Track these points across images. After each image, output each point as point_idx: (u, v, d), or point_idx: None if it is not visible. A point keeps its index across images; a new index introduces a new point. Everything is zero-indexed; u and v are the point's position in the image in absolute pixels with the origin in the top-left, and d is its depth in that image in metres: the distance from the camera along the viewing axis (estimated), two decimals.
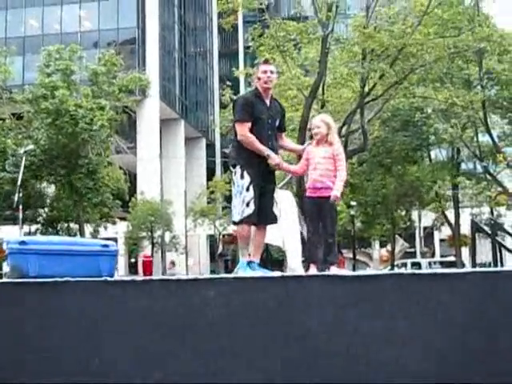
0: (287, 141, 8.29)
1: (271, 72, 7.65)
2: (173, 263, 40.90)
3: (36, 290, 5.36)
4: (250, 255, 7.51)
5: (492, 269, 6.22)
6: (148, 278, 6.00)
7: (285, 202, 10.68)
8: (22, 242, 7.92)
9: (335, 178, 7.36)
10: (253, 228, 7.57)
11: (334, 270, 7.23)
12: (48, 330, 5.21)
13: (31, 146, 35.35)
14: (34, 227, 43.52)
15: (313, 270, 7.26)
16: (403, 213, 49.14)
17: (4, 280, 7.62)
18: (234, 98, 8.38)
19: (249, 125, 7.40)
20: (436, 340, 4.69)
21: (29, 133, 41.38)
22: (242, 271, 7.38)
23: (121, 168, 47.66)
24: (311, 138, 7.77)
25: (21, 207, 29.17)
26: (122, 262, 55.13)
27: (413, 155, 43.46)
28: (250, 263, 7.39)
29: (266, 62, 8.00)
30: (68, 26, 63.95)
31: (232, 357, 4.89)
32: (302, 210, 18.73)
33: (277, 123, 7.72)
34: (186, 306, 5.04)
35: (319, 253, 7.53)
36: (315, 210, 7.39)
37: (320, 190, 7.34)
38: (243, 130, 7.42)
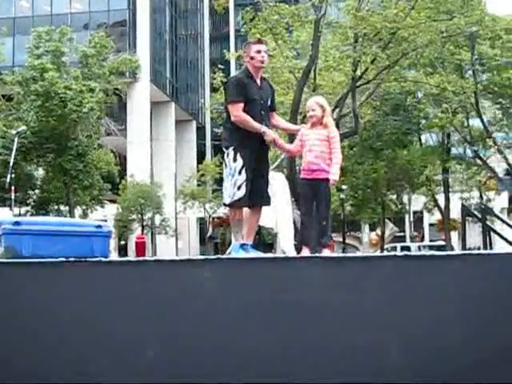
0: (280, 120, 8.25)
1: (264, 52, 7.62)
2: None
3: (29, 270, 5.36)
4: (242, 237, 7.51)
5: (484, 251, 6.30)
6: (142, 258, 6.00)
7: (278, 184, 10.69)
8: (16, 223, 7.91)
9: (330, 160, 7.36)
10: (246, 210, 7.56)
11: (326, 253, 7.25)
12: (41, 310, 5.21)
13: (23, 127, 35.21)
14: (23, 209, 43.42)
15: (305, 252, 7.27)
16: (394, 197, 49.27)
17: None
18: (225, 80, 8.31)
19: (242, 105, 7.36)
20: (429, 324, 4.71)
21: (19, 114, 41.22)
22: (234, 253, 7.38)
23: (112, 151, 47.57)
24: (302, 121, 7.77)
25: (13, 188, 29.07)
26: (112, 245, 55.03)
27: (403, 139, 43.51)
28: (243, 245, 7.39)
29: (260, 41, 7.88)
30: (58, 7, 63.46)
31: (226, 336, 4.90)
32: (293, 192, 18.74)
33: (269, 103, 7.70)
34: (181, 286, 5.04)
35: (312, 235, 7.54)
36: (310, 191, 7.40)
37: (315, 171, 7.34)
38: (237, 111, 7.38)
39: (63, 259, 5.38)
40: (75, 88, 39.43)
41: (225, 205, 7.59)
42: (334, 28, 29.25)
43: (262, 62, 7.57)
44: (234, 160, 7.32)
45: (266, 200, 7.64)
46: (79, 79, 40.84)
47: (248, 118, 7.34)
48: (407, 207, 54.15)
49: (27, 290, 5.22)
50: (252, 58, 7.53)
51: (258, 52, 7.54)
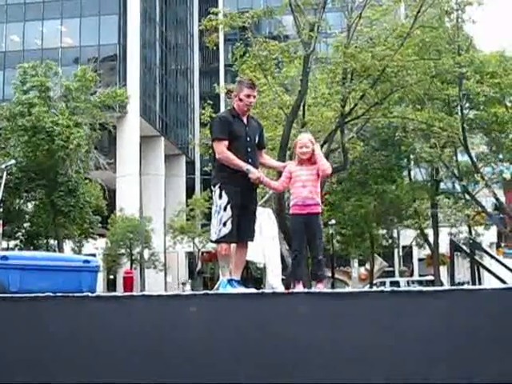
0: (267, 158, 8.28)
1: (253, 97, 7.67)
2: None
3: (15, 305, 5.34)
4: (230, 273, 7.51)
5: (472, 287, 6.31)
6: (129, 293, 6.00)
7: (265, 220, 10.70)
8: (3, 257, 7.88)
9: (321, 196, 7.48)
10: (233, 246, 7.58)
11: (321, 287, 7.28)
12: (28, 346, 5.19)
13: (12, 161, 35.15)
14: (12, 243, 43.25)
15: (299, 288, 7.28)
16: (383, 231, 49.31)
17: None
18: (214, 116, 8.36)
19: (226, 143, 7.39)
20: (416, 361, 4.72)
21: (6, 150, 41.17)
22: (222, 289, 7.39)
23: (101, 185, 47.53)
24: (291, 156, 7.81)
25: (1, 222, 29.01)
26: (100, 279, 54.81)
27: (392, 174, 43.66)
28: (230, 281, 7.40)
29: (252, 85, 7.88)
30: (49, 41, 63.79)
31: (214, 372, 4.89)
32: (281, 227, 18.74)
33: (256, 140, 7.73)
34: (168, 321, 5.04)
35: (304, 270, 7.58)
36: (303, 227, 7.44)
37: (310, 206, 7.40)
38: (220, 148, 7.42)
39: (50, 294, 5.37)
40: (62, 123, 39.41)
41: (211, 241, 7.62)
42: (323, 64, 29.42)
43: (247, 108, 7.64)
44: (220, 197, 7.37)
45: (252, 236, 7.66)
46: (65, 113, 40.84)
47: (231, 156, 7.37)
48: (396, 242, 54.20)
49: (13, 326, 5.20)
50: (240, 100, 7.58)
51: (248, 97, 7.59)
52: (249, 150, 7.55)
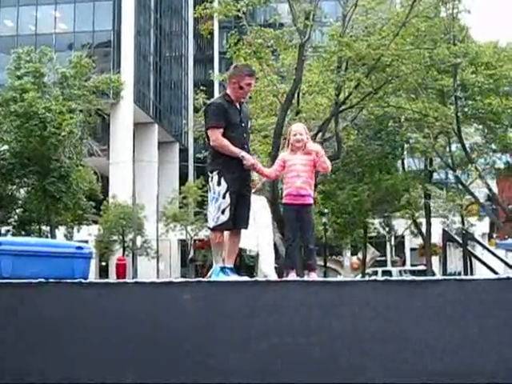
0: None
1: (253, 85, 7.68)
2: None
3: (7, 291, 5.33)
4: (223, 260, 7.50)
5: (462, 277, 6.34)
6: (122, 280, 5.99)
7: (259, 207, 10.68)
8: None
9: (314, 186, 7.48)
10: (227, 233, 7.56)
11: (314, 276, 7.29)
12: (20, 331, 5.18)
13: (6, 147, 35.01)
14: (4, 228, 43.17)
15: (292, 276, 7.28)
16: (376, 221, 49.37)
17: None
18: (207, 102, 8.25)
19: (221, 130, 7.36)
20: (408, 346, 4.73)
21: (0, 135, 41.03)
22: (215, 277, 7.37)
23: (95, 173, 47.43)
24: (284, 145, 7.79)
25: None
26: (92, 266, 54.76)
27: (385, 164, 43.64)
28: (223, 269, 7.38)
29: (253, 73, 7.85)
30: (43, 27, 63.54)
31: (206, 357, 4.89)
32: (274, 215, 18.71)
33: (249, 126, 7.73)
34: (160, 308, 5.04)
35: (297, 259, 7.59)
36: (296, 216, 7.44)
37: (304, 197, 7.40)
38: (215, 135, 7.38)
39: (43, 280, 5.36)
40: (55, 109, 39.26)
41: (209, 228, 7.59)
42: (318, 53, 29.36)
43: (244, 96, 7.65)
44: (219, 184, 7.33)
45: (244, 223, 7.64)
46: (59, 99, 40.70)
47: (226, 142, 7.35)
48: (389, 231, 54.27)
49: (5, 312, 5.19)
50: (241, 88, 7.53)
51: (248, 85, 7.57)
52: (244, 136, 7.54)
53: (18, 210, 44.65)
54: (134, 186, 58.15)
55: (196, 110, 34.55)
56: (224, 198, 7.28)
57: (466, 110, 37.43)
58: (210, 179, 7.46)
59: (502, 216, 41.09)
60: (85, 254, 6.84)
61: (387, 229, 52.53)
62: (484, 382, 4.62)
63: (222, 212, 7.29)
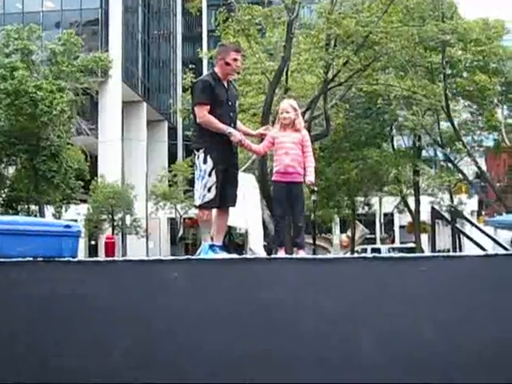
0: (239, 124, 8.22)
1: (240, 61, 7.64)
2: None
3: None
4: (212, 238, 7.51)
5: (451, 254, 6.37)
6: (111, 258, 5.99)
7: (247, 185, 10.69)
8: None
9: (303, 164, 7.44)
10: (215, 211, 7.56)
11: (303, 254, 7.29)
12: (7, 310, 5.17)
13: None
14: None
15: (281, 254, 7.29)
16: (363, 198, 49.45)
17: None
18: (195, 81, 8.23)
19: (208, 107, 7.34)
20: (399, 323, 4.74)
21: None
22: (203, 254, 7.38)
23: (83, 152, 47.28)
24: (273, 122, 7.77)
25: None
26: (81, 245, 54.72)
27: (375, 141, 43.63)
28: (212, 246, 7.39)
29: (238, 49, 7.86)
30: (30, 5, 62.99)
31: (196, 334, 4.89)
32: (263, 193, 18.75)
33: (236, 105, 7.71)
34: (150, 286, 5.03)
35: (286, 237, 7.59)
36: (285, 194, 7.43)
37: (292, 174, 7.38)
38: (202, 112, 7.36)
39: (31, 259, 5.34)
40: (46, 87, 39.11)
41: (195, 206, 7.59)
42: (306, 30, 29.29)
43: (235, 71, 7.63)
44: (205, 161, 7.31)
45: (232, 201, 7.64)
46: (49, 78, 40.54)
47: (213, 119, 7.33)
48: (378, 208, 54.41)
49: None
50: (227, 64, 7.50)
51: (235, 60, 7.53)
52: (231, 114, 7.53)
53: (6, 189, 44.50)
54: (122, 164, 58.08)
55: (184, 90, 34.46)
56: (210, 175, 7.27)
57: (453, 87, 37.43)
58: (196, 157, 7.46)
59: (490, 194, 41.28)
60: (73, 232, 6.81)
61: (371, 208, 52.66)
62: (472, 358, 4.65)
63: (209, 190, 7.28)
